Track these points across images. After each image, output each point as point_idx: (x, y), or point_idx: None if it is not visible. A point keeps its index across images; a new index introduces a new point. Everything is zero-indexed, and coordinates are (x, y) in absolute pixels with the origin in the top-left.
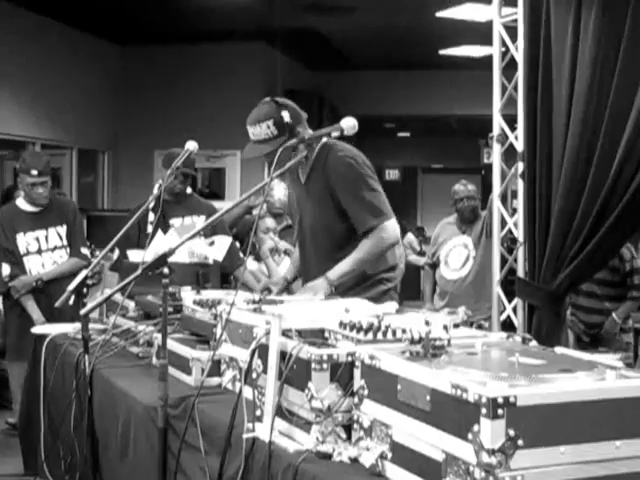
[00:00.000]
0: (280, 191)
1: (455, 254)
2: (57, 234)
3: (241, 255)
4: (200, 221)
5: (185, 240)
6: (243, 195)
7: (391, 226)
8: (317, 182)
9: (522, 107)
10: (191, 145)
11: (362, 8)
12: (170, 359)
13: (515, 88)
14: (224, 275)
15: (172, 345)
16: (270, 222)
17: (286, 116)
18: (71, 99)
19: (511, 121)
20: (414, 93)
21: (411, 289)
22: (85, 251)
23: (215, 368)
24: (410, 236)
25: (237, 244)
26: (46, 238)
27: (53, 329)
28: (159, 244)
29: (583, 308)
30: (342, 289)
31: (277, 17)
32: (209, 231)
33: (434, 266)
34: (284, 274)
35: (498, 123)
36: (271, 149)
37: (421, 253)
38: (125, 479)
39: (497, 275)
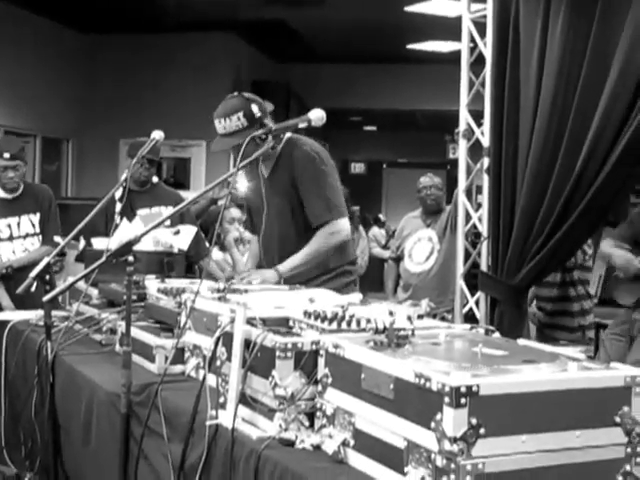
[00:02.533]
0: (245, 182)
1: (419, 247)
2: (30, 222)
3: (206, 245)
4: (167, 212)
5: (150, 228)
6: (208, 185)
7: (343, 224)
8: (282, 175)
9: (489, 103)
10: (157, 134)
11: (331, 1)
12: (134, 347)
13: (482, 84)
14: (189, 264)
15: (136, 333)
16: (235, 212)
17: (255, 109)
18: (35, 86)
19: (478, 117)
20: (381, 87)
21: (375, 282)
22: (58, 240)
23: (179, 356)
24: (375, 229)
25: (202, 234)
26: (18, 225)
27: (14, 315)
28: (124, 232)
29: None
30: (305, 280)
31: (244, 8)
32: (176, 220)
33: (398, 260)
34: (244, 266)
35: (465, 118)
36: (240, 141)
37: (385, 247)
38: (87, 465)
39: (461, 268)
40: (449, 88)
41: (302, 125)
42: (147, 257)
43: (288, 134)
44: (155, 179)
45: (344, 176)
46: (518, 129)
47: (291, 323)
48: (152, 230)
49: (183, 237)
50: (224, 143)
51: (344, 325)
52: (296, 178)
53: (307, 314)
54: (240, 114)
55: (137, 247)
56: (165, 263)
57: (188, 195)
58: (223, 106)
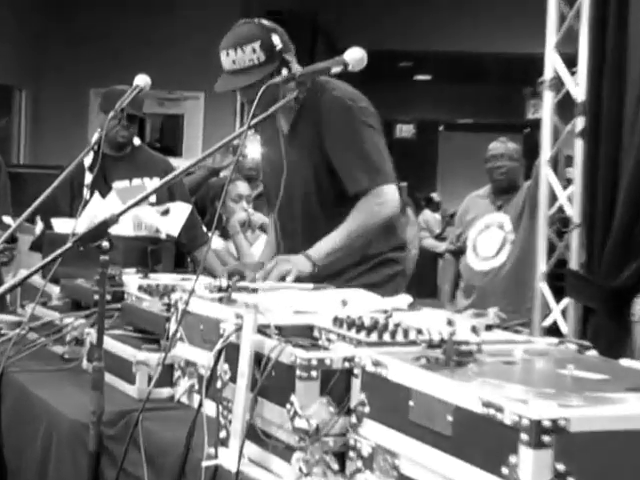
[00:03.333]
0: (255, 148)
1: (487, 237)
2: None
3: (204, 229)
4: (153, 185)
5: (131, 205)
6: (207, 151)
7: (391, 192)
8: (307, 129)
9: (586, 44)
10: (141, 80)
11: None
12: (107, 362)
13: (577, 18)
14: (181, 255)
15: (110, 344)
16: (243, 187)
17: (276, 40)
18: None
19: (569, 62)
20: (439, 23)
21: (426, 284)
22: (8, 221)
23: (166, 375)
24: (427, 213)
25: (199, 216)
26: None
27: None
28: (96, 210)
29: None
30: (335, 272)
31: None
32: (164, 196)
33: (458, 253)
34: (258, 258)
35: (552, 64)
36: (255, 79)
37: (440, 237)
38: None
39: (542, 267)
40: (530, 24)
41: (335, 70)
42: (126, 244)
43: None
44: (137, 141)
45: (387, 141)
46: (624, 79)
47: (316, 333)
48: (132, 209)
49: (173, 219)
50: (231, 82)
51: (387, 336)
52: (325, 133)
53: (338, 321)
54: (256, 45)
55: (113, 231)
56: (149, 253)
57: (180, 164)
58: (233, 34)
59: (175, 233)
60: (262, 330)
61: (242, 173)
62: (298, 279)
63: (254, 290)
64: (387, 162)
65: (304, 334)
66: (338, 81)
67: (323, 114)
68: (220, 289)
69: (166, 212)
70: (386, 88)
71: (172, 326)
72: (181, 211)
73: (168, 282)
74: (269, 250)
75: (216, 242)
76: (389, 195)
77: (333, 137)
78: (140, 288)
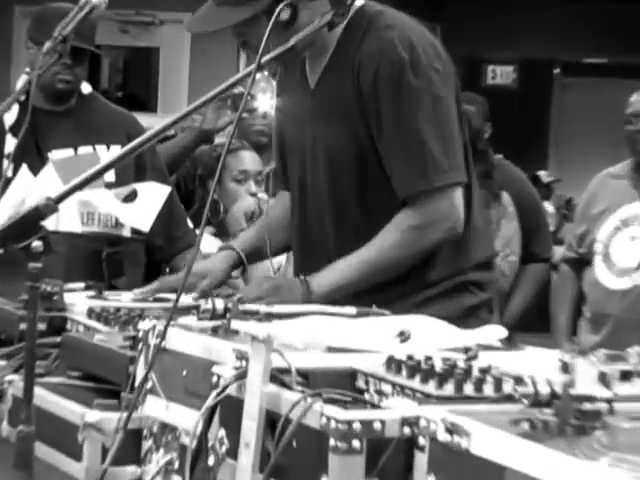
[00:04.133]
0: (267, 100)
1: (625, 239)
2: None
3: (189, 225)
4: (111, 155)
5: (77, 186)
6: (194, 103)
7: (448, 204)
8: (341, 85)
9: None
10: None
11: None
12: (39, 427)
13: None
14: (153, 264)
15: (44, 398)
16: (249, 160)
17: None
18: None
19: None
20: None
21: (531, 310)
22: None
23: (131, 447)
24: None
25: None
26: None
27: None
28: (22, 192)
29: None
30: (389, 299)
31: None
32: (129, 173)
33: (581, 264)
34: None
35: None
36: (253, 13)
37: (554, 238)
38: None
39: None
40: None
41: None
42: (70, 246)
43: (359, 1)
44: (86, 89)
45: (475, 90)
46: None
47: (361, 382)
48: (80, 192)
49: (142, 208)
50: (219, 18)
51: (470, 388)
52: (367, 96)
53: (394, 364)
54: None
55: (49, 225)
56: (105, 259)
57: (154, 123)
58: None
59: (145, 228)
60: (278, 377)
61: (248, 138)
62: None
63: (266, 316)
64: (452, 153)
65: (342, 384)
66: (396, 12)
67: (364, 66)
68: (214, 314)
69: (131, 197)
70: (469, 11)
71: (139, 371)
72: (154, 196)
73: (134, 304)
74: (279, 240)
75: (209, 244)
76: (445, 209)
77: (375, 107)
78: (91, 313)
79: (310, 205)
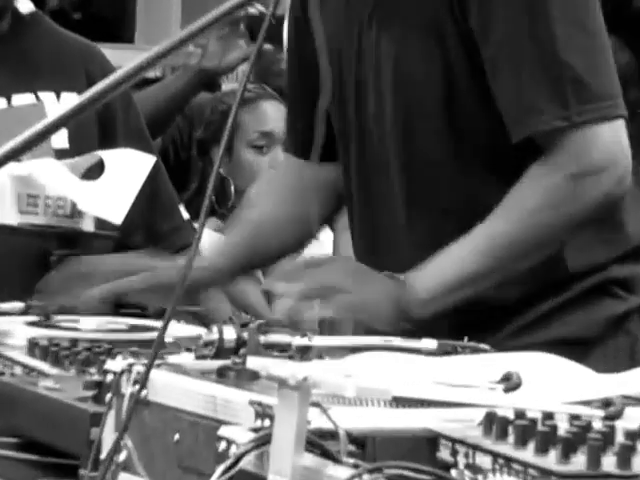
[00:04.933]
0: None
1: None
2: None
3: (183, 214)
4: (63, 108)
5: (11, 154)
6: (188, 28)
7: (614, 140)
8: None
9: None
10: None
11: None
12: None
13: None
14: None
15: None
16: (273, 114)
17: None
18: None
19: None
20: None
21: None
22: None
23: None
24: None
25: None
26: None
27: None
28: None
29: None
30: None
31: None
32: (91, 134)
33: None
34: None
35: None
36: None
37: None
38: None
39: None
40: None
41: None
42: (2, 243)
43: None
44: (26, 7)
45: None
46: None
47: (444, 452)
48: (14, 162)
49: (111, 187)
50: None
51: (609, 462)
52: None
53: (498, 425)
54: None
55: None
56: (55, 263)
57: (129, 58)
58: None
59: (116, 220)
60: (319, 444)
61: (273, 83)
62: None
63: (301, 351)
64: (606, 71)
65: (416, 454)
66: None
67: None
68: (219, 349)
69: (95, 172)
70: None
71: (107, 436)
72: (130, 171)
73: (99, 334)
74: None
75: (210, 240)
76: (611, 149)
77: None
78: (34, 348)
79: (372, 157)
